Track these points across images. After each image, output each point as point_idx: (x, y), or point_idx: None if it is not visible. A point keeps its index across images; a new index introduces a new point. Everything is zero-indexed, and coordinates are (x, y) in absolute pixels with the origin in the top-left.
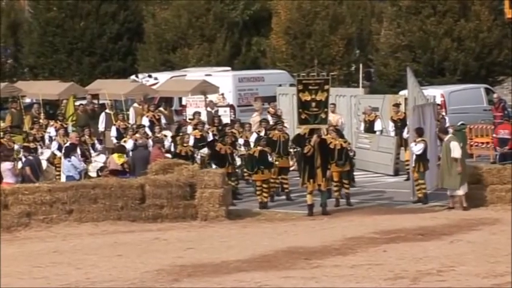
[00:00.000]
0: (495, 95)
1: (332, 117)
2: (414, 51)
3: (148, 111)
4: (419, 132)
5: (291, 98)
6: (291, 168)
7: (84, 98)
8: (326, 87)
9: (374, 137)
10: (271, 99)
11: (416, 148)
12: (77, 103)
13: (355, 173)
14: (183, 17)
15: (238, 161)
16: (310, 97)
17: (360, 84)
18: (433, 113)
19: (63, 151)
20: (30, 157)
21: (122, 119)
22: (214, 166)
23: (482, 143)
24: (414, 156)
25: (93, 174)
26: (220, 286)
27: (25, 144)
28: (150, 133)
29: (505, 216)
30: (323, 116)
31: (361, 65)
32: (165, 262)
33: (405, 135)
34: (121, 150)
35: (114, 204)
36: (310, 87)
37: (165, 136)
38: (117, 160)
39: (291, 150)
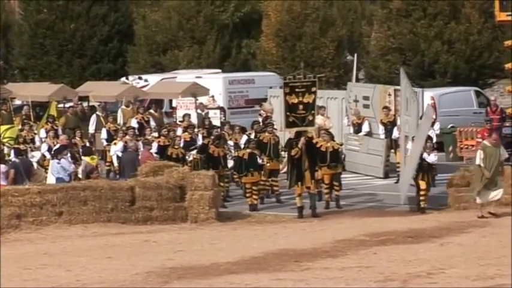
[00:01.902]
0: (492, 98)
1: (321, 120)
2: (404, 53)
3: (137, 113)
4: (432, 140)
5: (282, 99)
6: (282, 171)
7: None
8: (313, 89)
9: (364, 139)
10: (262, 101)
11: (432, 158)
12: (67, 105)
13: (344, 176)
14: (173, 19)
15: (229, 163)
16: (297, 100)
17: (354, 78)
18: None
19: (52, 153)
20: (17, 160)
21: (112, 120)
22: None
23: (472, 145)
24: (423, 165)
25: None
26: None
27: (15, 146)
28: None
29: (495, 219)
30: (310, 118)
31: (355, 55)
32: (155, 264)
33: (395, 135)
34: (90, 152)
35: (104, 206)
36: (296, 89)
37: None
38: (91, 162)
39: (282, 153)
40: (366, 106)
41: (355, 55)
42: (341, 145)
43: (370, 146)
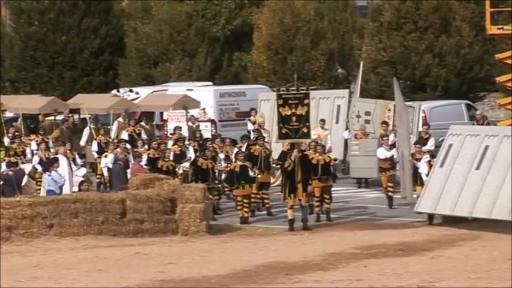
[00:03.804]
0: (478, 112)
1: (320, 133)
2: (395, 66)
3: (128, 126)
4: None
5: (273, 103)
6: (275, 184)
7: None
8: (306, 101)
9: (363, 142)
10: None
11: None
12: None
13: (335, 188)
14: (165, 31)
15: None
16: (290, 111)
17: (358, 86)
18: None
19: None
20: (10, 172)
21: (104, 133)
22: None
23: None
24: None
25: (74, 188)
26: None
27: (6, 158)
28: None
29: (486, 232)
30: (305, 130)
31: (362, 63)
32: (146, 277)
33: (388, 153)
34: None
35: (95, 219)
36: (290, 101)
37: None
38: None
39: (273, 165)
40: (367, 121)
41: (361, 64)
42: (335, 160)
43: (368, 147)
